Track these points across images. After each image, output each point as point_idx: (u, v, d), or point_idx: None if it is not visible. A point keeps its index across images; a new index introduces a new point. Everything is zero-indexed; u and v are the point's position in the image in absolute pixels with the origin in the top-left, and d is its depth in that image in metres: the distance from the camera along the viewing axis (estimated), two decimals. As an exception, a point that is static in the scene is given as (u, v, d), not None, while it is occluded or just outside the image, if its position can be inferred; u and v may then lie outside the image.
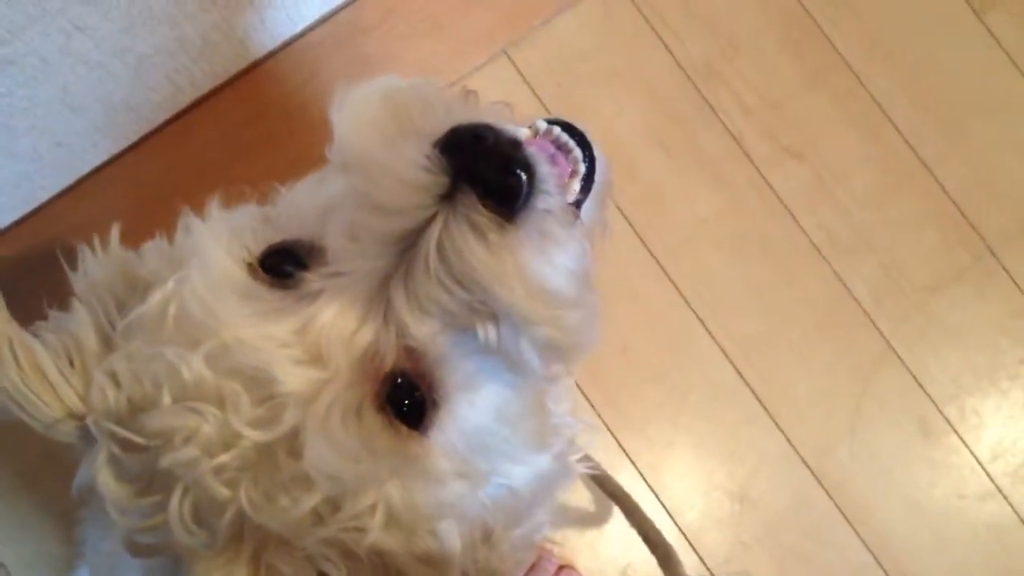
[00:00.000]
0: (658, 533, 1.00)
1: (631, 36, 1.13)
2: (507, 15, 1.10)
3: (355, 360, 0.44)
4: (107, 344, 0.49)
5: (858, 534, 1.09)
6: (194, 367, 0.43)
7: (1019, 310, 1.12)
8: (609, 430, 1.08)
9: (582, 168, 0.56)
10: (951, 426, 1.11)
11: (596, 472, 0.99)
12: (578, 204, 0.53)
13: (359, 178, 0.44)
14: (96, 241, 0.53)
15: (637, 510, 1.01)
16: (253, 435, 0.42)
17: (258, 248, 0.49)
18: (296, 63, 1.06)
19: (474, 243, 0.42)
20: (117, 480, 0.45)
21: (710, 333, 1.10)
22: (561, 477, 0.59)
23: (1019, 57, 1.16)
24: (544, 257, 0.45)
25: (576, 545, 1.06)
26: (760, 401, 1.10)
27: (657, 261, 1.10)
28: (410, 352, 0.46)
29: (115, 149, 1.03)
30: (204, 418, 0.42)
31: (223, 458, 0.42)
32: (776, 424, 1.10)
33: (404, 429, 0.45)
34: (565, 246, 0.46)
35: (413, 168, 0.43)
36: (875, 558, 1.08)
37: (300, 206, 0.52)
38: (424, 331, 0.45)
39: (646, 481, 1.08)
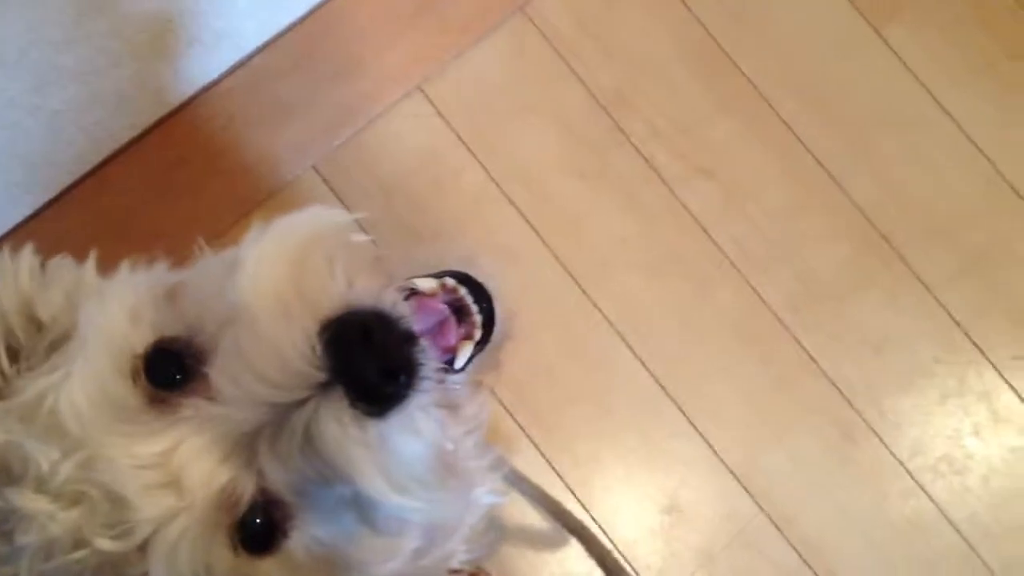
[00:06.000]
0: (616, 562, 1.03)
1: (543, 68, 1.17)
2: (420, 52, 1.14)
3: (212, 494, 0.46)
4: None
5: (787, 539, 1.12)
6: (60, 471, 0.45)
7: (930, 312, 1.16)
8: (537, 448, 1.11)
9: (478, 334, 0.58)
10: (871, 427, 1.14)
11: (549, 505, 1.01)
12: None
13: (246, 339, 0.45)
14: (6, 255, 0.53)
15: (595, 541, 1.04)
16: (103, 544, 0.44)
17: (153, 334, 0.50)
18: (214, 109, 1.09)
19: (338, 435, 0.44)
20: None
21: (632, 350, 1.13)
22: (464, 516, 0.60)
23: (918, 69, 1.21)
24: (408, 450, 0.46)
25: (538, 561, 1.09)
26: (684, 414, 1.13)
27: (578, 283, 1.14)
28: (268, 493, 0.48)
29: (37, 203, 1.05)
30: (57, 517, 0.44)
31: (73, 556, 0.44)
32: (701, 435, 1.13)
33: (245, 555, 0.47)
34: (429, 441, 0.48)
35: (296, 354, 0.44)
36: (804, 561, 1.11)
37: (203, 298, 0.51)
38: (284, 481, 0.47)
39: (576, 497, 1.11)
